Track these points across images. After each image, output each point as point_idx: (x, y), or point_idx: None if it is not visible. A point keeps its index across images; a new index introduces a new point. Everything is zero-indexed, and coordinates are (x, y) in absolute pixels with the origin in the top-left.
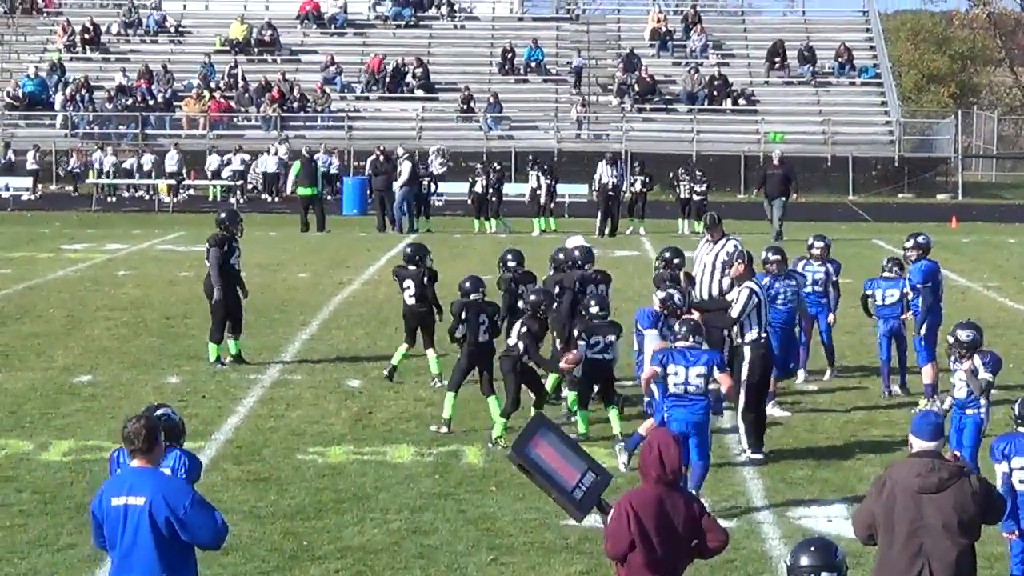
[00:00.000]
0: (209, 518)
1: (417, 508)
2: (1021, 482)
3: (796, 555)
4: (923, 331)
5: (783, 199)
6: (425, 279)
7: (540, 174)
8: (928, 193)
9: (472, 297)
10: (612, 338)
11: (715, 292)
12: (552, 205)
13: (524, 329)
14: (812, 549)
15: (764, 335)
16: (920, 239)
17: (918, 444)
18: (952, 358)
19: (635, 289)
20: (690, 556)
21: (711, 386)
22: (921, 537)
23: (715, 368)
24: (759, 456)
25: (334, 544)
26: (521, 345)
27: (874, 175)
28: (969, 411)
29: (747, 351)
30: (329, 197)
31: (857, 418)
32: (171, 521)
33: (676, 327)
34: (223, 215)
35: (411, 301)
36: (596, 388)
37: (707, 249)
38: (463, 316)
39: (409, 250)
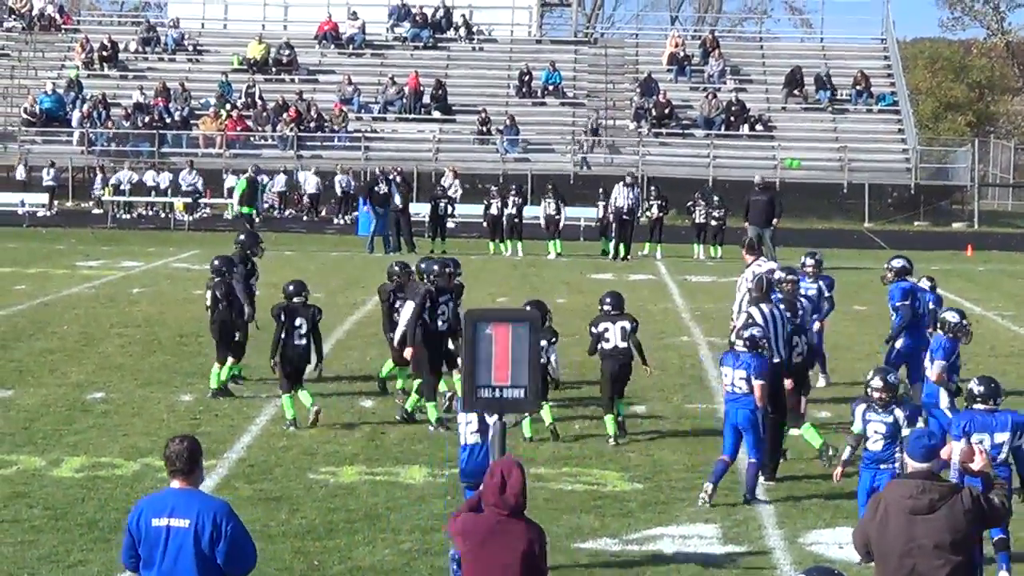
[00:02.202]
0: (249, 545)
1: (428, 529)
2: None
3: None
4: (898, 345)
5: (770, 228)
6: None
7: (554, 198)
8: (944, 221)
9: (294, 300)
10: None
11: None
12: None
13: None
14: None
15: (777, 360)
16: (895, 262)
17: (912, 464)
18: (867, 406)
19: (649, 313)
20: None
21: None
22: (914, 557)
23: (752, 374)
24: (771, 483)
25: (345, 564)
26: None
27: (890, 203)
28: (884, 466)
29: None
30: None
31: None
32: (213, 545)
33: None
34: (243, 237)
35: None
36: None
37: (746, 273)
38: (281, 318)
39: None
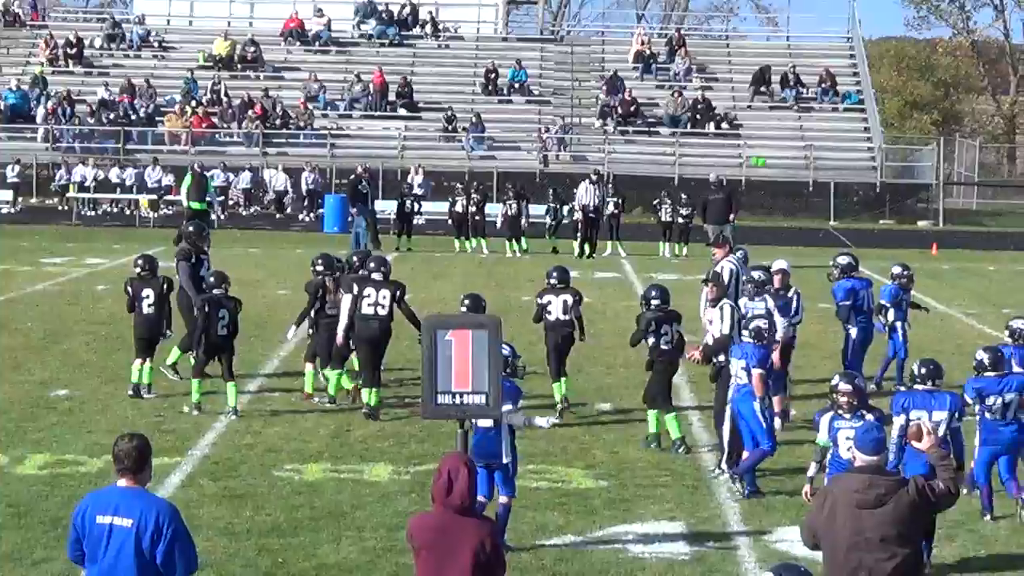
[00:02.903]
0: (190, 549)
1: (393, 527)
2: None
3: None
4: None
5: (728, 225)
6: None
7: (515, 199)
8: (909, 219)
9: (215, 292)
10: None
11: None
12: (525, 226)
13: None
14: (785, 573)
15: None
16: (840, 259)
17: (860, 458)
18: (833, 415)
19: (614, 311)
20: None
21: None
22: (861, 550)
23: (751, 364)
24: (737, 475)
25: (309, 561)
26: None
27: (856, 201)
28: None
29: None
30: (221, 215)
31: None
32: (154, 545)
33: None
34: (190, 228)
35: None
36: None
37: (723, 266)
38: (205, 309)
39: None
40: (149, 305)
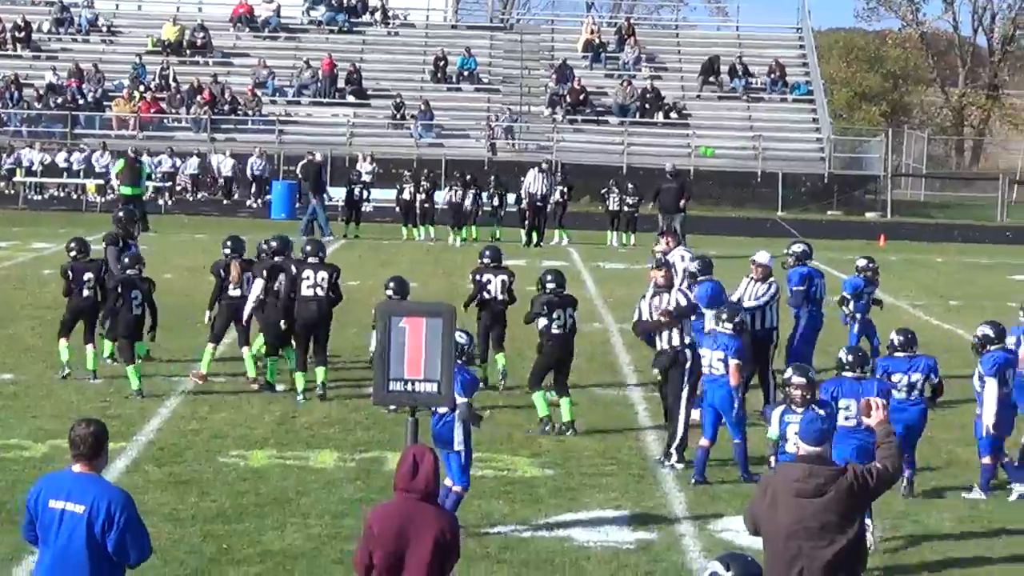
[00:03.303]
0: (142, 537)
1: (339, 513)
2: (847, 419)
3: (715, 568)
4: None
5: (681, 214)
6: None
7: (461, 187)
8: (857, 211)
9: (129, 272)
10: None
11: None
12: (478, 215)
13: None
14: (732, 563)
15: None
16: (795, 247)
17: (803, 447)
18: (784, 408)
19: None
20: (435, 572)
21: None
22: (800, 539)
23: (729, 355)
24: (681, 465)
25: (254, 548)
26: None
27: (804, 191)
28: None
29: (688, 353)
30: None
31: None
32: (105, 532)
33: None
34: (120, 214)
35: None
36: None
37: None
38: (118, 290)
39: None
40: (136, 306)
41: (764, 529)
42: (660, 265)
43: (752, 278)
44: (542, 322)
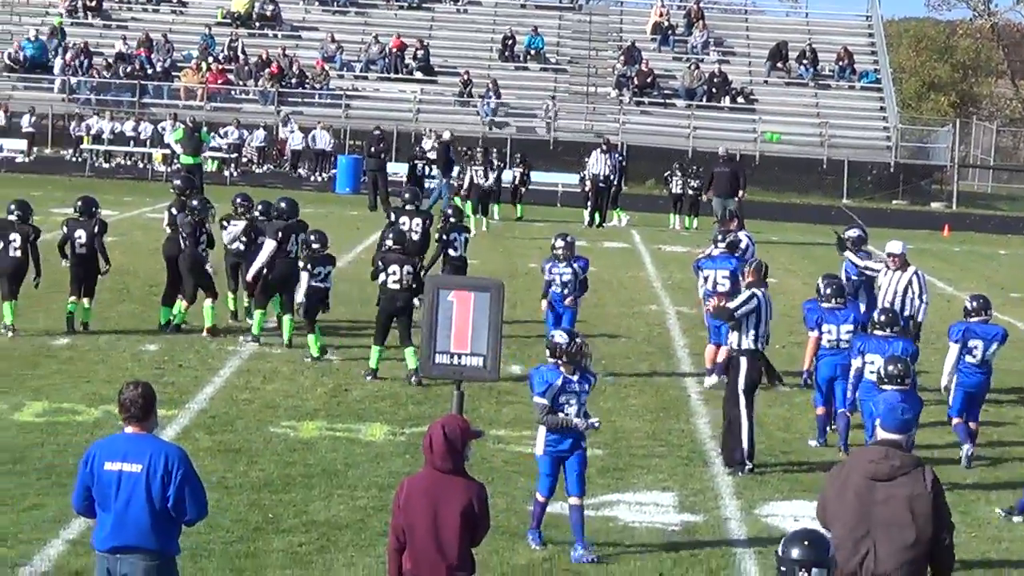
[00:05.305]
0: (200, 492)
1: (385, 486)
2: (871, 372)
3: (788, 546)
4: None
5: (734, 198)
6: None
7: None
8: (923, 200)
9: (8, 218)
10: (330, 268)
11: None
12: (524, 193)
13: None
14: (805, 543)
15: (760, 347)
16: (851, 231)
17: (882, 434)
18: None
19: (620, 281)
20: (464, 543)
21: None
22: (869, 522)
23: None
24: (749, 466)
25: (299, 518)
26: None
27: (869, 180)
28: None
29: (742, 360)
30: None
31: None
32: (164, 488)
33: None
34: (177, 182)
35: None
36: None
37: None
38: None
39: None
40: (15, 249)
41: (832, 510)
42: (751, 265)
43: (891, 268)
44: (380, 277)
